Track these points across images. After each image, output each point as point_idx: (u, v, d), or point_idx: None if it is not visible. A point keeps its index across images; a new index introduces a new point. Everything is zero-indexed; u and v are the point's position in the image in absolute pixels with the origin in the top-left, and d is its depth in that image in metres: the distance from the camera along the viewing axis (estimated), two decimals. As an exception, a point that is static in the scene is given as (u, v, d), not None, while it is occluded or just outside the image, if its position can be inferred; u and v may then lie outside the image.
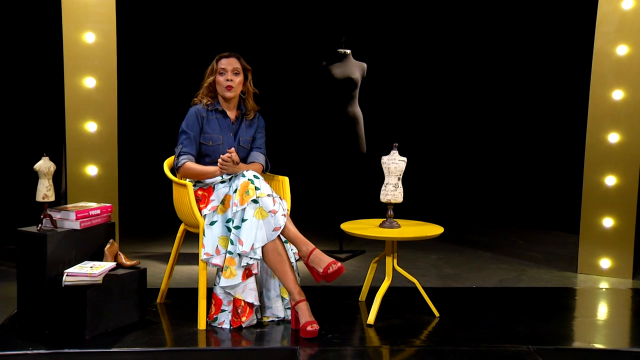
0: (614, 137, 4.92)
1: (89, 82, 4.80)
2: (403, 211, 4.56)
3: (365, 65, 5.39)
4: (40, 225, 3.57)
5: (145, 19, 6.74)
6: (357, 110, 5.34)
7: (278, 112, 7.10)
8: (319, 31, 7.04)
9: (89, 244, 3.71)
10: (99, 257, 3.73)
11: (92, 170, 4.83)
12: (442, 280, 4.85)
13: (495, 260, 5.40)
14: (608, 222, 4.97)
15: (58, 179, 5.26)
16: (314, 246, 3.59)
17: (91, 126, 4.82)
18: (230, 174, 3.75)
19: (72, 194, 4.79)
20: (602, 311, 4.29)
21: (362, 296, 4.17)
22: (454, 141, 7.70)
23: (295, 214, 6.60)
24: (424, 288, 4.51)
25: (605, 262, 4.99)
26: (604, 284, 4.81)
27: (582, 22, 5.94)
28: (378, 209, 4.54)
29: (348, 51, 5.31)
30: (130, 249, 5.48)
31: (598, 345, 3.53)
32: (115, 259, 3.72)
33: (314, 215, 6.72)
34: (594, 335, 3.76)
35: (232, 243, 3.56)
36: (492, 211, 7.36)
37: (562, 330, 3.77)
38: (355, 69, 5.30)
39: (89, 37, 4.79)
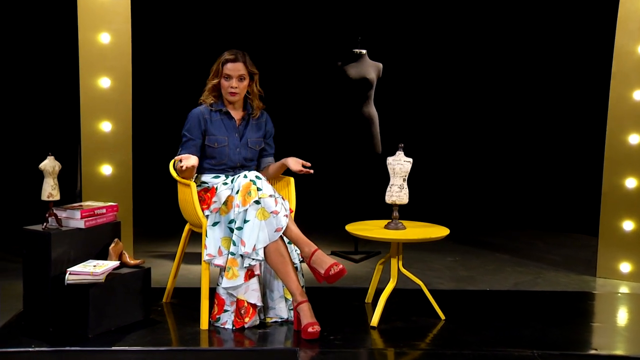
0: (634, 139, 4.82)
1: (104, 82, 4.84)
2: (419, 213, 4.51)
3: (380, 65, 5.35)
4: (45, 224, 3.60)
5: (160, 20, 6.77)
6: (373, 110, 5.30)
7: (291, 112, 7.13)
8: (335, 31, 7.00)
9: (94, 242, 3.74)
10: (105, 256, 3.75)
11: (106, 169, 4.87)
12: (456, 283, 4.80)
13: (512, 263, 5.32)
14: (628, 225, 4.86)
15: (73, 179, 5.30)
16: (316, 247, 3.57)
17: (106, 126, 4.85)
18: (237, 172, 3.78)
19: (86, 194, 4.83)
20: (619, 316, 4.20)
21: (369, 298, 4.14)
22: (473, 142, 7.60)
23: (310, 215, 6.60)
24: (436, 290, 4.49)
25: (625, 266, 4.89)
26: (623, 289, 4.71)
27: (601, 19, 5.82)
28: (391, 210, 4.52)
29: (364, 51, 5.28)
30: (146, 248, 5.51)
31: (605, 352, 3.45)
32: (120, 258, 3.74)
33: (328, 216, 6.69)
34: (606, 341, 3.68)
35: (234, 244, 3.56)
36: (513, 213, 7.24)
37: (573, 336, 3.68)
38: (371, 69, 5.27)
39: (104, 38, 4.82)
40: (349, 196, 5.57)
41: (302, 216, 6.76)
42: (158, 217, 6.60)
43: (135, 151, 4.97)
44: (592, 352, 3.43)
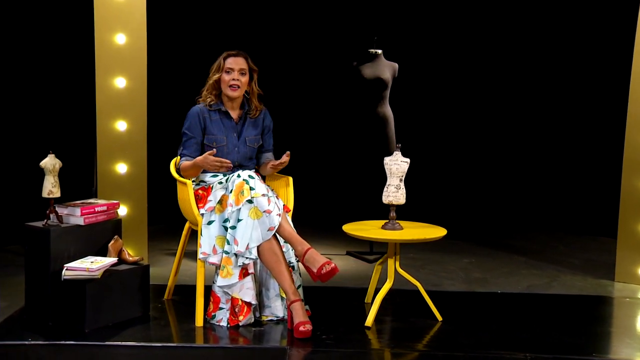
0: (655, 139, 4.69)
1: (120, 82, 4.91)
2: (445, 215, 4.45)
3: (396, 65, 5.32)
4: (46, 220, 3.68)
5: (175, 20, 6.83)
6: (388, 110, 5.27)
7: (306, 112, 7.17)
8: (351, 31, 6.99)
9: (94, 239, 3.80)
10: (105, 253, 3.81)
11: (121, 168, 4.94)
12: (468, 285, 4.74)
13: (528, 265, 5.23)
14: (648, 228, 4.74)
15: (89, 177, 5.41)
16: (309, 246, 3.57)
17: (121, 125, 4.92)
18: (232, 172, 3.80)
19: (102, 192, 4.91)
20: (630, 322, 4.08)
21: (368, 298, 4.12)
22: (496, 144, 7.48)
23: (323, 215, 6.57)
24: (444, 292, 4.47)
25: (644, 271, 4.76)
26: (642, 294, 4.59)
27: (621, 17, 5.68)
28: (403, 211, 4.48)
29: (379, 51, 5.26)
30: (165, 246, 5.58)
31: (603, 356, 3.37)
32: (119, 255, 3.80)
33: (343, 215, 6.66)
34: (607, 346, 3.61)
35: (228, 243, 3.58)
36: (538, 216, 7.09)
37: (573, 340, 3.59)
38: (386, 69, 5.24)
39: (120, 38, 4.89)
40: (364, 196, 5.55)
41: (315, 216, 6.79)
42: (176, 214, 6.67)
43: (150, 150, 5.03)
44: (590, 357, 3.35)
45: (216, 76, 3.92)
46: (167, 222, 6.11)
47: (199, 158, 3.70)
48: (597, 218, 6.66)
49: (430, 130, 7.38)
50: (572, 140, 7.27)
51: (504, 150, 7.47)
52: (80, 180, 5.76)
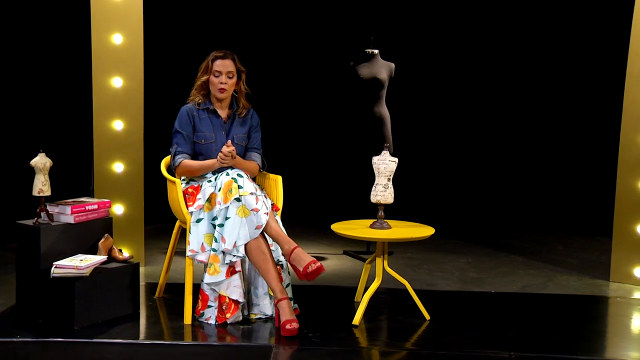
0: (650, 139, 4.67)
1: (116, 81, 4.94)
2: (452, 216, 4.44)
3: (393, 65, 5.32)
4: (36, 218, 3.71)
5: (172, 20, 6.85)
6: (384, 110, 5.28)
7: (302, 112, 7.17)
8: (347, 31, 6.99)
9: (84, 238, 3.83)
10: (96, 251, 3.84)
11: (118, 167, 4.98)
12: (463, 285, 4.73)
13: (526, 266, 5.21)
14: (644, 228, 4.71)
15: (87, 176, 5.45)
16: (296, 245, 3.59)
17: (118, 124, 4.96)
18: (221, 171, 3.82)
19: (99, 191, 4.95)
20: (620, 322, 4.07)
21: (358, 297, 4.13)
22: (496, 145, 7.46)
23: (321, 214, 6.57)
24: (437, 292, 4.47)
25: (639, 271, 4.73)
26: (637, 294, 4.55)
27: (617, 18, 5.66)
28: (400, 210, 4.50)
29: (376, 51, 5.26)
30: (162, 245, 5.60)
31: (586, 355, 3.36)
32: (109, 253, 3.83)
33: (342, 215, 6.69)
34: (594, 345, 3.60)
35: (216, 240, 3.61)
36: (540, 216, 7.06)
37: (559, 339, 3.59)
38: (382, 69, 5.24)
39: (117, 39, 4.93)
40: (360, 196, 5.56)
41: (314, 216, 6.78)
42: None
43: (147, 149, 5.06)
44: (574, 356, 3.34)
45: (204, 78, 3.96)
46: (164, 221, 6.13)
47: (211, 161, 3.80)
48: (598, 218, 6.63)
49: (428, 130, 7.38)
50: (570, 139, 7.25)
51: (503, 150, 7.46)
52: (77, 180, 5.81)
